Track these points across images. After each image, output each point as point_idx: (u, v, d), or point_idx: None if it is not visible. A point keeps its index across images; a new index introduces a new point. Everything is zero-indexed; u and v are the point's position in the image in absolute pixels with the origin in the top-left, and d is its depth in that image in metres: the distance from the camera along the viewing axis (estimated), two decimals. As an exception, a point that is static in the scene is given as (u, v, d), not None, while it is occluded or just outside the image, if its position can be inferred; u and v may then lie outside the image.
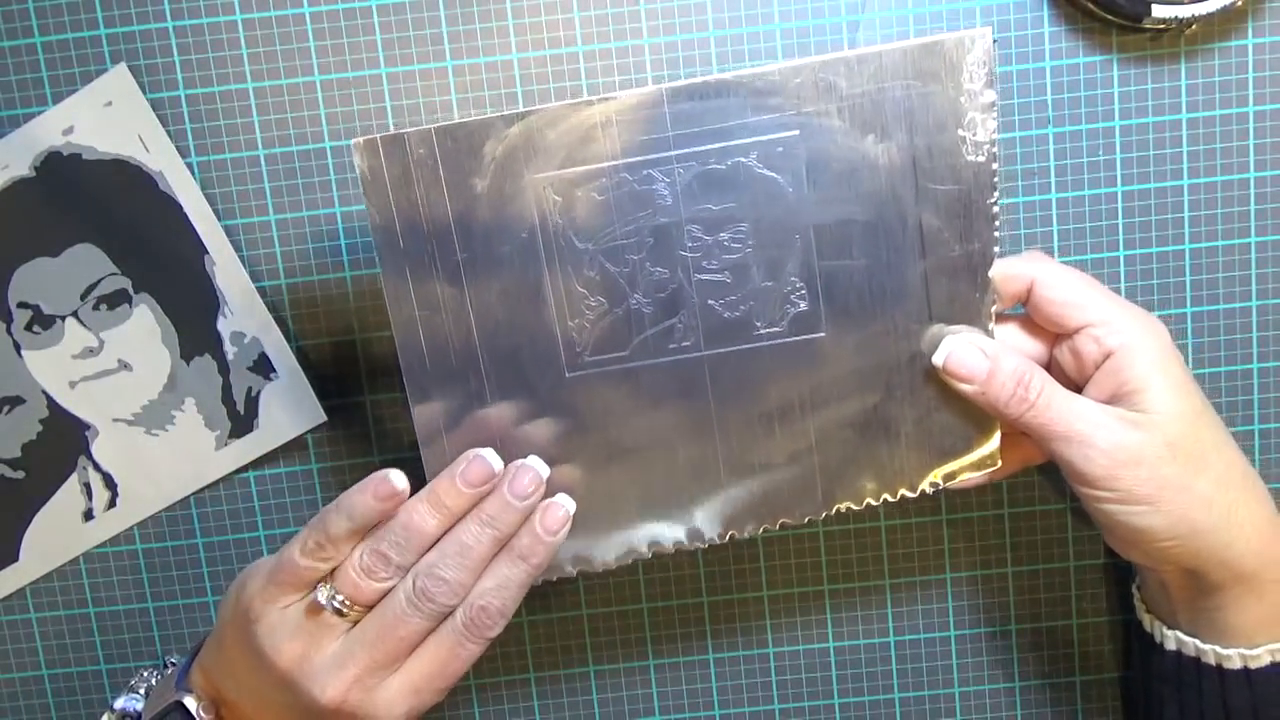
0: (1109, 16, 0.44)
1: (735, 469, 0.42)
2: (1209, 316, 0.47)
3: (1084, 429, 0.38)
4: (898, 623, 0.50)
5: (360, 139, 0.38)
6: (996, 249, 0.40)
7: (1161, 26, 0.44)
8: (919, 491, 0.42)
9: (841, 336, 0.41)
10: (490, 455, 0.40)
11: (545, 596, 0.50)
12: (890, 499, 0.42)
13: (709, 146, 0.39)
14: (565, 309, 0.40)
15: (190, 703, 0.42)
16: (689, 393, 0.41)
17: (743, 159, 0.39)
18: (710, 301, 0.40)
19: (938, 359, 0.40)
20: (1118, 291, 0.46)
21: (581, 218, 0.39)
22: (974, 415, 0.41)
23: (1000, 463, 0.42)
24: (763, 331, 0.41)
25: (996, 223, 0.40)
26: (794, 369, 0.41)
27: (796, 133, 0.39)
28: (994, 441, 0.42)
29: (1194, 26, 0.45)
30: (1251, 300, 0.47)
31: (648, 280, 0.40)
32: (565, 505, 0.40)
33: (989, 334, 0.41)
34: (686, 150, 0.39)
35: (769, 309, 0.40)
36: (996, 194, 0.39)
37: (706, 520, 0.42)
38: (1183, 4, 0.43)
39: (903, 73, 0.38)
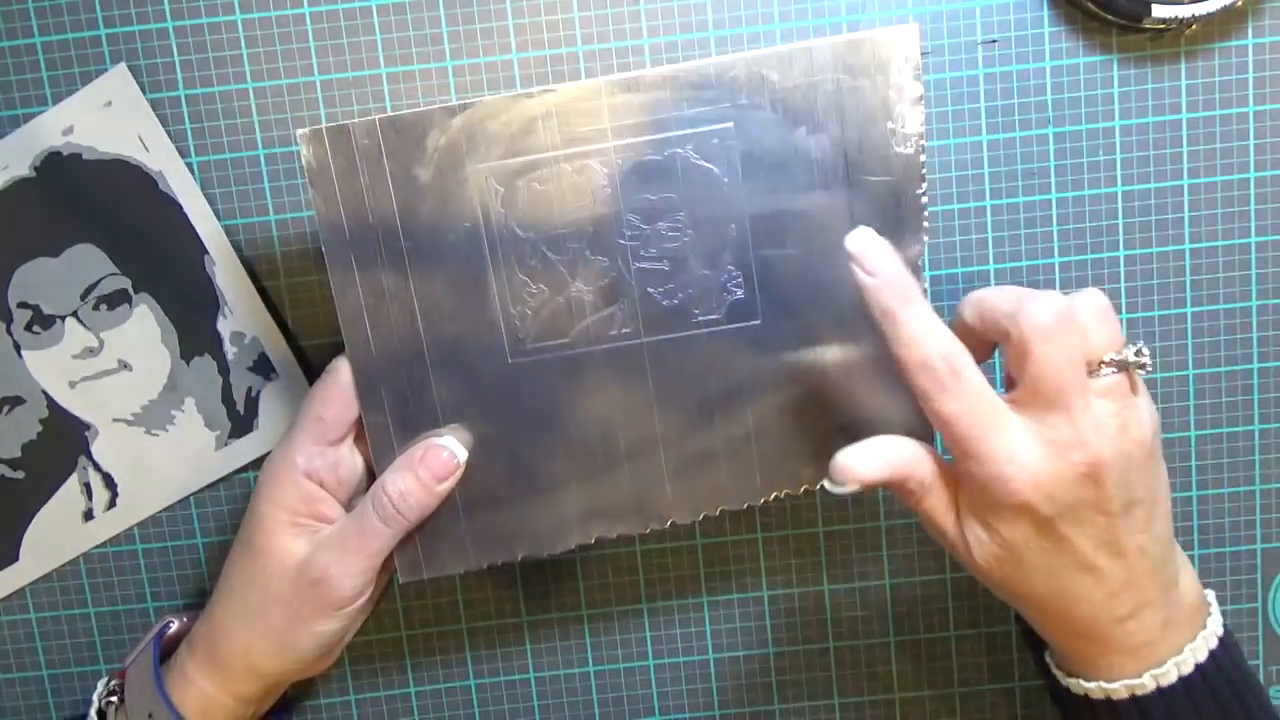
0: (1109, 16, 0.44)
1: (676, 455, 0.42)
2: (1209, 316, 0.47)
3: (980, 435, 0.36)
4: (897, 623, 0.50)
5: (306, 129, 0.39)
6: (925, 239, 0.41)
7: (1161, 26, 0.44)
8: None
9: (777, 324, 0.41)
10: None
11: (545, 596, 0.50)
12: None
13: (646, 138, 0.40)
14: (508, 297, 0.41)
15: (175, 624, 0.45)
16: (630, 379, 0.42)
17: (679, 150, 0.40)
18: (649, 289, 0.41)
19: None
20: (1118, 292, 0.47)
21: (523, 207, 0.40)
22: (909, 407, 0.41)
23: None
24: (701, 319, 0.41)
25: (925, 213, 0.40)
26: (732, 356, 0.41)
27: (731, 125, 0.40)
28: (930, 432, 0.41)
29: (1194, 26, 0.45)
30: (1251, 300, 0.47)
31: (588, 268, 0.41)
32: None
33: None
34: (624, 141, 0.40)
35: (707, 297, 0.41)
36: (925, 185, 0.40)
37: (649, 506, 0.43)
38: (1183, 4, 0.43)
39: (833, 67, 0.39)
